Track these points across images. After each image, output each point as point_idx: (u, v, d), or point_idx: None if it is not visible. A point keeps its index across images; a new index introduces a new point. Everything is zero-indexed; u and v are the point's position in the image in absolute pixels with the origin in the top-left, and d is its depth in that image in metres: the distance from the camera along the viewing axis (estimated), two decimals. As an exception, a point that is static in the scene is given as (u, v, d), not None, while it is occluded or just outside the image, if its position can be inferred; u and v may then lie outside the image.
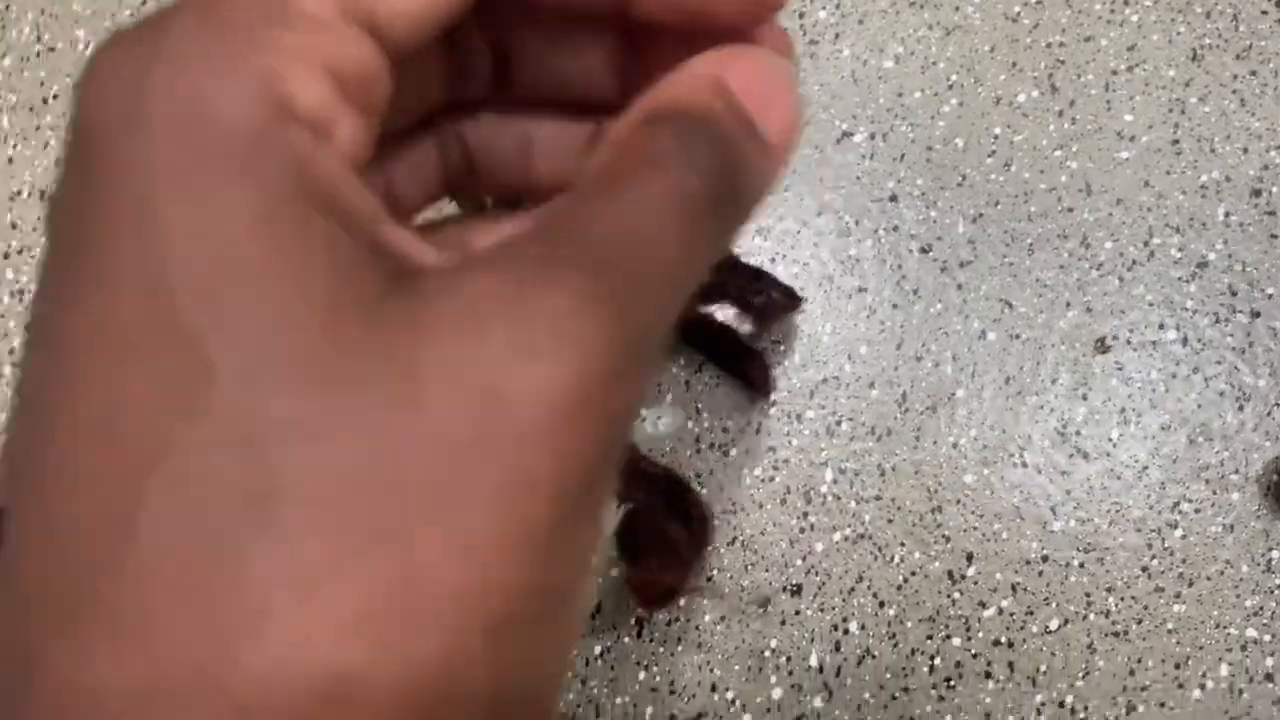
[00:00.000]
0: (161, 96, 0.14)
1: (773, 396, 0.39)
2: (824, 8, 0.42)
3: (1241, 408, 0.38)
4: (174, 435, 0.12)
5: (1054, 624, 0.37)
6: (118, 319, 0.13)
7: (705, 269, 0.15)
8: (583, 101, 0.20)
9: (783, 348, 0.39)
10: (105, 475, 0.12)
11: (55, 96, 0.44)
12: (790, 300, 0.37)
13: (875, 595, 0.37)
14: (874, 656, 0.36)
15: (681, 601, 0.36)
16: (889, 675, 0.36)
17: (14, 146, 0.43)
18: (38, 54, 0.44)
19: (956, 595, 0.37)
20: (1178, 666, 0.36)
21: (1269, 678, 0.36)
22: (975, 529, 0.37)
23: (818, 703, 0.36)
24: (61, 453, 0.13)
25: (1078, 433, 0.38)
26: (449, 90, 0.20)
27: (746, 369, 0.38)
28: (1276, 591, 0.36)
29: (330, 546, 0.12)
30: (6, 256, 0.42)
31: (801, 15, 0.42)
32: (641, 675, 0.37)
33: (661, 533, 0.33)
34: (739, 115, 0.16)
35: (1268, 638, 0.36)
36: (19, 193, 0.43)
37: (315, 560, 0.12)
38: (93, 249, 0.13)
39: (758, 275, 0.38)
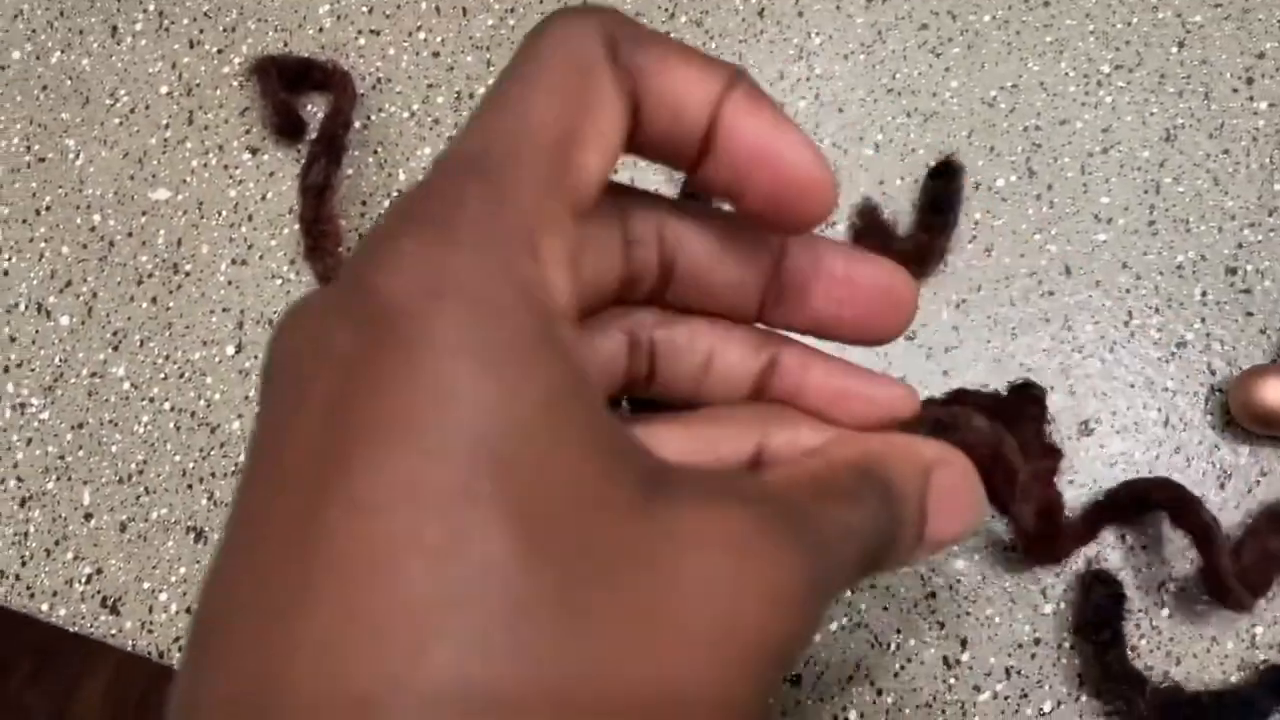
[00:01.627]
0: (460, 287, 0.15)
1: (766, 488, 0.40)
2: (803, 98, 0.43)
3: (1223, 485, 0.39)
4: (458, 590, 0.13)
5: (1047, 706, 0.38)
6: (421, 478, 0.13)
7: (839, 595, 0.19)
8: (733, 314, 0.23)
9: (775, 439, 0.40)
10: (394, 614, 0.13)
11: (48, 208, 0.44)
12: None
13: (873, 683, 0.38)
14: (874, 745, 0.37)
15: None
16: (889, 762, 0.37)
17: (9, 259, 0.44)
18: (28, 164, 0.45)
19: (952, 681, 0.38)
20: (1169, 744, 0.37)
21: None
22: (969, 614, 0.38)
23: (820, 794, 0.37)
24: (344, 584, 0.13)
25: (1066, 515, 0.39)
26: (621, 289, 0.21)
27: None
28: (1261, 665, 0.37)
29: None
30: (6, 370, 0.43)
31: (782, 106, 0.43)
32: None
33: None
34: (921, 503, 0.19)
35: None
36: (15, 305, 0.43)
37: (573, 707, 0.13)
38: (390, 411, 0.14)
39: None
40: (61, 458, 0.42)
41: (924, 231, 0.40)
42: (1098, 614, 0.37)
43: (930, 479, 0.20)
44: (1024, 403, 0.36)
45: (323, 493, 0.14)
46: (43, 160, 0.45)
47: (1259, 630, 0.37)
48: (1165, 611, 0.38)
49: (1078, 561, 0.38)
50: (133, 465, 0.41)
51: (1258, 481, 0.39)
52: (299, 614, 0.13)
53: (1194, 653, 0.38)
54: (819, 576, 0.16)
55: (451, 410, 0.14)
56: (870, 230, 0.40)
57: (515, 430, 0.14)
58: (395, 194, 0.43)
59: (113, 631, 0.40)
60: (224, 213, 0.43)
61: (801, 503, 0.18)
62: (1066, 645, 0.38)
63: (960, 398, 0.37)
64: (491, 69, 0.44)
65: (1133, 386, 0.40)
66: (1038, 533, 0.32)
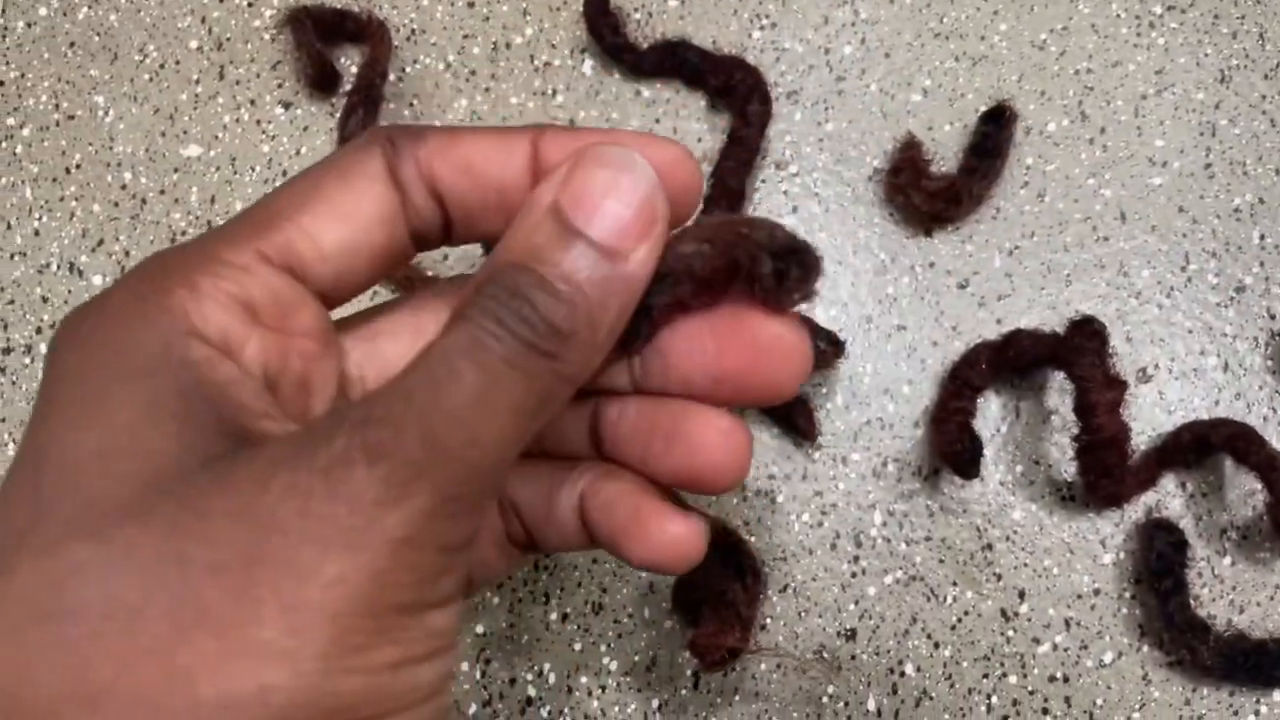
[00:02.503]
0: (93, 327, 0.18)
1: (818, 440, 0.39)
2: (849, 43, 0.42)
3: (1285, 432, 0.38)
4: (3, 567, 0.15)
5: (1108, 657, 0.37)
6: (8, 480, 0.17)
7: (549, 413, 0.18)
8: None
9: (824, 390, 0.39)
10: None
11: (78, 165, 0.43)
12: (835, 347, 0.37)
13: (929, 636, 0.37)
14: (931, 698, 0.37)
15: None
16: (947, 716, 0.37)
17: (39, 219, 0.43)
18: (57, 122, 0.44)
19: (1010, 633, 0.37)
20: (1231, 694, 0.36)
21: (1323, 702, 0.36)
22: (1026, 565, 0.38)
23: (879, 747, 0.37)
24: None
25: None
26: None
27: (791, 415, 0.38)
28: (1327, 615, 0.37)
29: (112, 657, 0.14)
30: (39, 331, 0.42)
31: (827, 52, 0.42)
32: (703, 728, 0.37)
33: (719, 593, 0.33)
34: (548, 217, 0.18)
35: (1320, 662, 0.36)
36: (48, 265, 0.42)
37: (97, 672, 0.14)
38: (24, 433, 0.18)
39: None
40: (98, 418, 0.41)
41: (963, 173, 0.39)
42: (1160, 562, 0.36)
43: (560, 207, 0.18)
44: (1083, 337, 0.35)
45: None
46: (72, 118, 0.44)
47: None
48: (1228, 559, 0.37)
49: (1137, 510, 0.37)
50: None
51: (1321, 427, 0.38)
52: None
53: (1257, 600, 0.37)
54: (389, 435, 0.16)
55: (42, 418, 0.17)
56: (906, 165, 0.39)
57: (84, 430, 0.17)
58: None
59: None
60: (258, 169, 0.42)
61: (381, 390, 0.17)
62: (1127, 595, 0.37)
63: (1016, 338, 0.37)
64: (528, 18, 0.43)
65: (1191, 332, 0.39)
66: (1105, 466, 0.31)
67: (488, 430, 0.16)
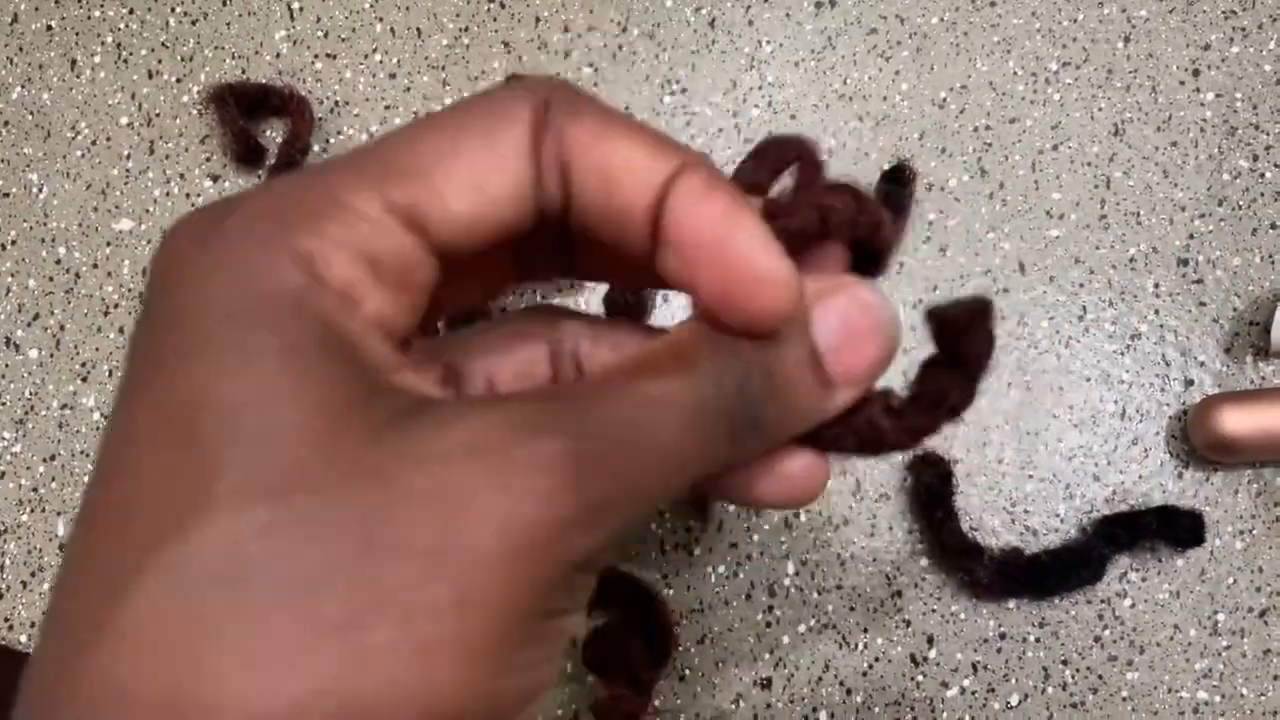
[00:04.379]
0: (216, 261, 0.17)
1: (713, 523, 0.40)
2: (756, 106, 0.43)
3: (1180, 475, 0.39)
4: (171, 527, 0.15)
5: (1014, 699, 0.38)
6: (150, 426, 0.16)
7: (705, 469, 0.18)
8: None
9: (738, 445, 0.41)
10: (112, 552, 0.15)
11: (13, 242, 0.44)
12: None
13: (842, 683, 0.38)
14: (844, 744, 0.38)
15: None
16: (860, 761, 0.38)
17: (-24, 295, 0.44)
18: (-8, 200, 0.45)
19: (920, 678, 0.38)
20: (1135, 732, 0.38)
21: (1222, 737, 0.37)
22: (934, 611, 0.39)
23: (793, 793, 0.38)
24: (88, 527, 0.16)
25: (1026, 510, 0.39)
26: (520, 269, 0.22)
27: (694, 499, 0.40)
28: (1224, 653, 0.38)
29: (291, 630, 0.14)
30: (-23, 405, 0.43)
31: (735, 115, 0.43)
32: (623, 779, 0.38)
33: (623, 655, 0.35)
34: (800, 340, 0.18)
35: (1218, 698, 0.38)
36: (-16, 340, 0.44)
37: (276, 643, 0.14)
38: (145, 370, 0.16)
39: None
40: (35, 490, 0.42)
41: (877, 234, 0.40)
42: (929, 493, 0.38)
43: (813, 312, 0.18)
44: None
45: (99, 453, 0.16)
46: (6, 195, 0.45)
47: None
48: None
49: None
50: (105, 494, 0.41)
51: (1215, 469, 0.39)
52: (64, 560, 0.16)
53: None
54: (597, 454, 0.16)
55: (184, 361, 0.16)
56: None
57: (239, 379, 0.15)
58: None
59: (91, 660, 0.40)
60: (188, 241, 0.44)
61: (586, 389, 0.17)
62: (1032, 639, 0.38)
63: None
64: (447, 88, 0.44)
65: (1089, 380, 0.40)
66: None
67: (666, 483, 0.17)
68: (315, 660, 0.14)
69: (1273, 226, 0.41)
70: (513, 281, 0.22)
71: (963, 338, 0.19)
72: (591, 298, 0.42)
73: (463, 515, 0.15)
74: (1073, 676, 0.38)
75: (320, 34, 0.45)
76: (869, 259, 0.21)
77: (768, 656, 0.39)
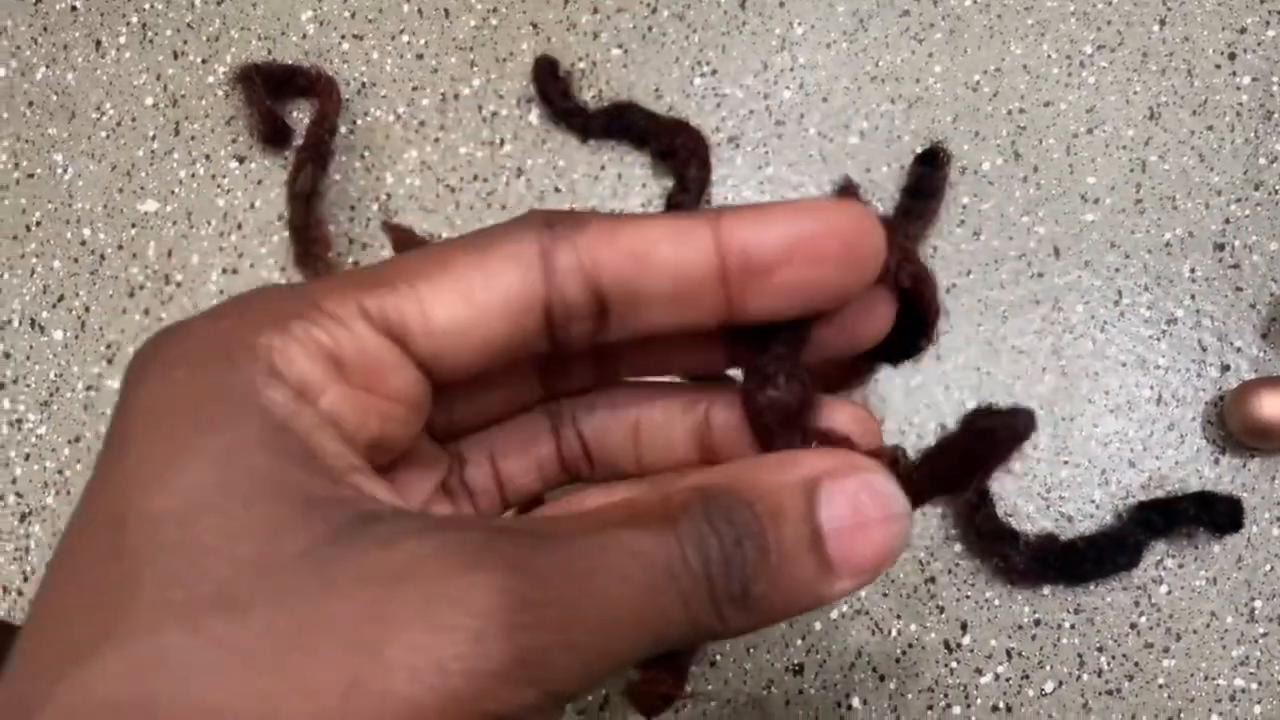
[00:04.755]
0: (171, 360, 0.17)
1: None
2: (787, 88, 0.43)
3: (1217, 461, 0.39)
4: (85, 650, 0.14)
5: (1049, 686, 0.38)
6: (83, 537, 0.16)
7: (676, 637, 0.16)
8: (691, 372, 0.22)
9: (769, 429, 0.40)
10: (29, 673, 0.15)
11: (38, 223, 0.44)
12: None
13: (875, 670, 0.38)
14: (877, 730, 0.38)
15: (684, 705, 0.37)
16: (893, 747, 0.37)
17: (0, 275, 0.44)
18: (16, 181, 0.45)
19: (954, 664, 0.38)
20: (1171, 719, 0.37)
21: (1259, 725, 0.37)
22: (968, 598, 0.38)
23: (826, 780, 0.37)
24: (21, 641, 0.15)
25: (1061, 496, 0.39)
26: (548, 383, 0.22)
27: None
28: (1261, 640, 0.37)
29: None
30: (2, 386, 0.43)
31: (766, 97, 0.43)
32: (654, 765, 0.38)
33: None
34: (804, 524, 0.17)
35: (1254, 686, 0.37)
36: (9, 321, 0.43)
37: None
38: (94, 474, 0.16)
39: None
40: (60, 472, 0.42)
41: (900, 215, 0.40)
42: None
43: (818, 493, 0.17)
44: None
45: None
46: (31, 176, 0.45)
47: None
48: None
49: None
50: (131, 477, 0.41)
51: (1252, 455, 0.39)
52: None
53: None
54: (543, 602, 0.15)
55: (116, 471, 0.16)
56: None
57: (170, 488, 0.15)
58: (383, 198, 0.43)
59: (117, 643, 0.40)
60: (213, 222, 0.43)
61: (536, 528, 0.16)
62: (1067, 626, 0.38)
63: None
64: (475, 69, 0.44)
65: (1124, 365, 0.40)
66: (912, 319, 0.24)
67: (623, 646, 0.15)
68: None
69: (1310, 211, 0.41)
70: (542, 398, 0.22)
71: (994, 455, 0.18)
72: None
73: (378, 653, 0.14)
74: (1108, 663, 0.38)
75: (347, 14, 0.45)
76: (915, 322, 0.20)
77: (800, 643, 0.38)
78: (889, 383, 0.40)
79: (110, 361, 0.43)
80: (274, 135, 0.43)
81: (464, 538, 0.15)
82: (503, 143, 0.43)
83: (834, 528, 0.17)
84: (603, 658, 0.15)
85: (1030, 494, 0.39)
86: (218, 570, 0.14)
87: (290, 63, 0.44)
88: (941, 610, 0.38)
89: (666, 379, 0.22)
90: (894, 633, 0.38)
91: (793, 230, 0.18)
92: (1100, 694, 0.38)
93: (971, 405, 0.38)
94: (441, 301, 0.17)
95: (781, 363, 0.19)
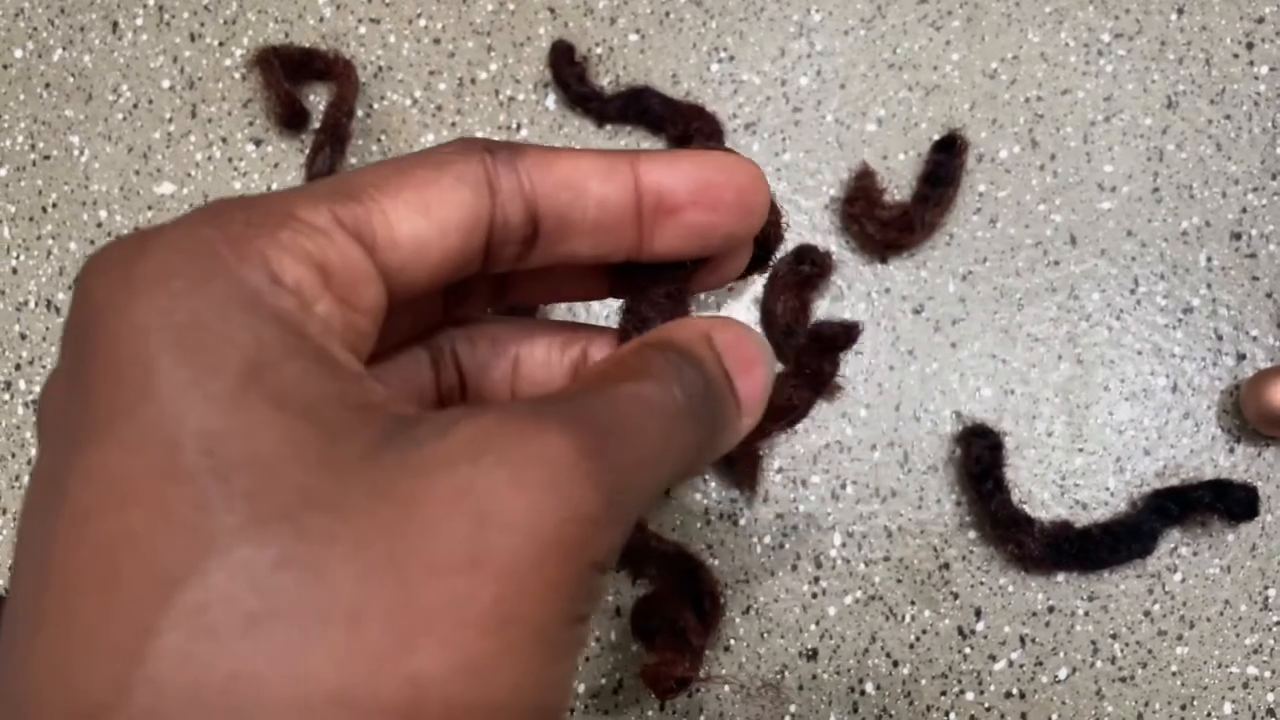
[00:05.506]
0: (143, 281, 0.15)
1: (778, 463, 0.40)
2: (805, 75, 0.43)
3: (1232, 449, 0.39)
4: (180, 570, 0.13)
5: (1063, 673, 0.38)
6: (123, 470, 0.14)
7: (677, 476, 0.18)
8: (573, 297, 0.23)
9: (785, 415, 0.40)
10: (114, 613, 0.13)
11: (54, 205, 0.44)
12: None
13: (889, 655, 0.38)
14: (891, 715, 0.38)
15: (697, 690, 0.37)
16: (906, 732, 0.38)
17: (17, 257, 0.44)
18: (33, 162, 0.45)
19: (967, 650, 0.38)
20: (1183, 708, 0.37)
21: (1270, 713, 0.37)
22: (982, 584, 0.39)
23: (839, 764, 0.37)
24: (67, 595, 0.14)
25: (1076, 484, 0.39)
26: (448, 308, 0.22)
27: (735, 463, 0.39)
28: (1274, 628, 0.38)
29: (334, 667, 0.13)
30: (19, 368, 0.43)
31: (784, 84, 0.43)
32: (668, 748, 0.38)
33: (672, 620, 0.34)
34: (720, 365, 0.19)
35: (1268, 674, 0.37)
36: (25, 303, 0.43)
37: (323, 684, 0.13)
38: (96, 410, 0.15)
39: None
40: (76, 453, 0.42)
41: (916, 202, 0.40)
42: (979, 465, 0.38)
43: (715, 343, 0.19)
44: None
45: (51, 511, 0.15)
46: (48, 158, 0.45)
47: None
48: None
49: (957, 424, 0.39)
50: (147, 458, 0.41)
51: (1267, 443, 0.39)
52: (31, 632, 0.14)
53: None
54: (604, 448, 0.15)
55: (146, 395, 0.14)
56: (861, 194, 0.40)
57: (214, 404, 0.14)
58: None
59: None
60: (230, 205, 0.43)
61: (572, 393, 0.17)
62: (1081, 613, 0.38)
63: None
64: (492, 54, 0.44)
65: (1140, 354, 0.40)
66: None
67: (657, 481, 0.17)
68: (369, 695, 0.13)
69: (1328, 201, 0.41)
70: (441, 324, 0.23)
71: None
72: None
73: (489, 521, 0.14)
74: (1122, 650, 0.38)
75: (364, -2, 0.45)
76: (763, 254, 0.23)
77: (813, 628, 0.39)
78: (904, 370, 0.40)
79: (126, 343, 0.43)
80: (291, 118, 0.43)
81: (512, 410, 0.16)
82: (519, 127, 0.43)
83: (734, 368, 0.19)
84: (651, 493, 0.17)
85: (1045, 481, 0.39)
86: (295, 477, 0.14)
87: (307, 46, 0.44)
88: (955, 596, 0.39)
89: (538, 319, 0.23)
90: (908, 618, 0.38)
91: (699, 177, 0.20)
92: (1114, 681, 0.38)
93: (988, 394, 0.38)
94: (404, 215, 0.18)
95: (658, 306, 0.21)
